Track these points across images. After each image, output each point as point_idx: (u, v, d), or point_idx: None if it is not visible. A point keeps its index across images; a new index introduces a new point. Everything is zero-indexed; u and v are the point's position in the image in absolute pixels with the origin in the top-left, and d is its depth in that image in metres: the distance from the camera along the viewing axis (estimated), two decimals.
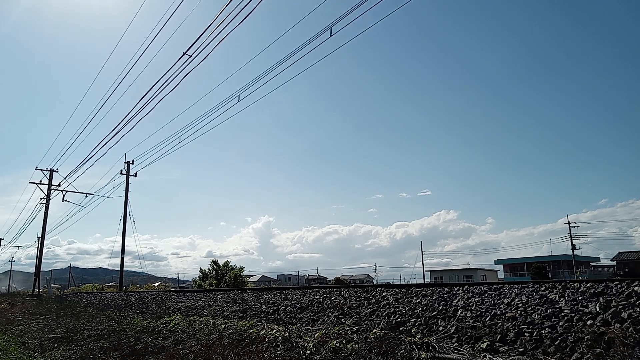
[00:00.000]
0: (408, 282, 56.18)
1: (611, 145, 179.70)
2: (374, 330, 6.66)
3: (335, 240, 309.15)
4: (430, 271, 76.67)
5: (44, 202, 36.39)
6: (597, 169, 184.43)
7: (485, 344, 5.74)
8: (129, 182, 34.40)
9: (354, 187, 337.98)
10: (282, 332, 7.41)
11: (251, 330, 8.03)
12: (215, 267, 44.62)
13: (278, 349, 6.62)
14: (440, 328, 6.75)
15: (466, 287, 8.16)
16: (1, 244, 69.29)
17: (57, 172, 36.17)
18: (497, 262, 74.57)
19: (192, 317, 11.06)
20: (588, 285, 6.53)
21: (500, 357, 5.23)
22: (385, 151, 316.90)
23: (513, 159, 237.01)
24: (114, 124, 20.27)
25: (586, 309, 5.77)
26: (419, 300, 8.10)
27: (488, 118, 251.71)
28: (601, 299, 5.91)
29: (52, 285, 46.23)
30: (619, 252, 58.41)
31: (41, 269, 38.56)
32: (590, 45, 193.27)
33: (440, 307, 7.47)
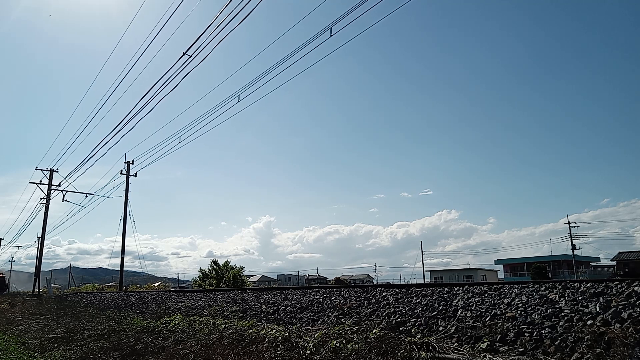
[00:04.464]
0: (408, 282, 56.22)
1: (613, 146, 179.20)
2: (374, 330, 6.66)
3: (336, 240, 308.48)
4: (431, 271, 76.83)
5: (44, 202, 36.44)
6: (598, 169, 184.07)
7: (485, 344, 5.74)
8: (129, 182, 34.48)
9: (354, 186, 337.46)
10: (282, 332, 7.41)
11: (251, 330, 8.03)
12: (215, 267, 44.65)
13: (278, 349, 6.62)
14: (440, 328, 6.75)
15: (466, 287, 8.16)
16: (1, 244, 69.29)
17: (57, 172, 36.22)
18: (497, 262, 74.62)
19: (192, 317, 11.06)
20: (588, 285, 6.54)
21: (500, 357, 5.22)
22: (386, 151, 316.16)
23: (514, 159, 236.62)
24: (114, 124, 20.33)
25: (586, 309, 5.77)
26: (419, 300, 8.11)
27: (488, 118, 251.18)
28: (601, 299, 5.91)
29: (52, 285, 46.20)
30: (619, 252, 58.45)
31: (41, 269, 38.62)
32: (591, 45, 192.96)
33: (440, 307, 7.47)
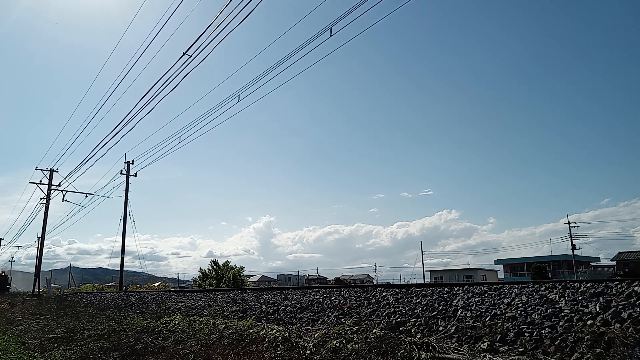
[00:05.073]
0: (408, 282, 56.23)
1: (613, 146, 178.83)
2: (374, 330, 6.66)
3: (336, 240, 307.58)
4: (430, 271, 76.89)
5: (44, 202, 36.45)
6: (599, 169, 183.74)
7: (485, 344, 5.74)
8: (129, 182, 34.49)
9: (355, 186, 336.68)
10: (282, 332, 7.41)
11: (251, 330, 8.03)
12: (215, 267, 44.64)
13: (278, 349, 6.62)
14: (440, 328, 6.75)
15: (466, 287, 8.16)
16: (1, 244, 69.29)
17: (57, 172, 36.25)
18: (497, 262, 74.65)
19: (192, 317, 11.06)
20: (588, 285, 6.54)
21: (500, 357, 5.22)
22: (386, 151, 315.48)
23: (514, 159, 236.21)
24: (114, 124, 20.35)
25: (586, 309, 5.77)
26: (419, 300, 8.11)
27: (488, 118, 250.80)
28: (601, 299, 5.91)
29: (52, 285, 46.18)
30: (619, 252, 58.51)
31: (41, 269, 38.63)
32: (590, 45, 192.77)
33: (440, 307, 7.47)
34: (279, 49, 14.70)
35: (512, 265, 71.19)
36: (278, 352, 6.45)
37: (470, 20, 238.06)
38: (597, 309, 5.67)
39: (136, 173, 35.06)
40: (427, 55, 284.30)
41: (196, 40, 12.42)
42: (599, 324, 5.32)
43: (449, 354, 5.38)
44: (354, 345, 5.96)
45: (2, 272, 48.93)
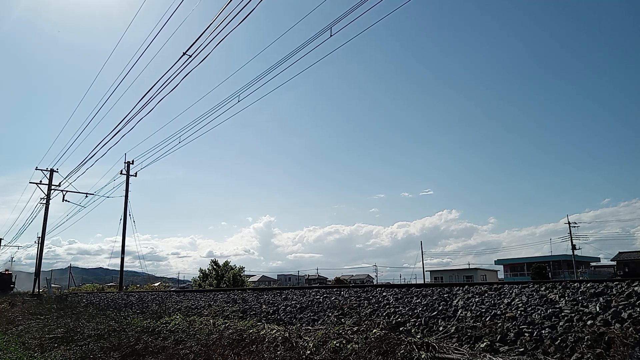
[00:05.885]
0: (408, 282, 56.21)
1: (613, 146, 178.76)
2: (374, 330, 6.66)
3: (336, 240, 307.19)
4: (431, 271, 76.92)
5: (44, 202, 36.47)
6: (599, 169, 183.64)
7: (485, 344, 5.74)
8: (129, 182, 34.50)
9: (355, 186, 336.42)
10: (282, 332, 7.41)
11: (251, 330, 8.03)
12: (215, 267, 44.64)
13: (278, 349, 6.62)
14: (440, 328, 6.75)
15: (466, 287, 8.16)
16: (1, 244, 69.22)
17: (57, 172, 36.27)
18: (497, 262, 74.65)
19: (192, 317, 11.06)
20: (588, 285, 6.53)
21: (500, 357, 5.22)
22: (386, 151, 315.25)
23: (514, 159, 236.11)
24: (114, 124, 20.38)
25: (586, 309, 5.77)
26: (419, 300, 8.11)
27: (488, 118, 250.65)
28: (601, 299, 5.91)
29: (52, 285, 46.11)
30: (619, 252, 58.49)
31: (41, 269, 38.63)
32: (590, 45, 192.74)
33: (440, 307, 7.47)
34: (279, 49, 14.72)
35: (512, 265, 71.19)
36: (278, 352, 6.45)
37: (470, 20, 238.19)
38: (597, 309, 5.67)
39: (136, 173, 35.12)
40: (427, 55, 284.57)
41: (196, 40, 12.44)
42: (599, 324, 5.32)
43: (449, 354, 5.38)
44: (354, 345, 5.96)
45: (6, 270, 48.70)
